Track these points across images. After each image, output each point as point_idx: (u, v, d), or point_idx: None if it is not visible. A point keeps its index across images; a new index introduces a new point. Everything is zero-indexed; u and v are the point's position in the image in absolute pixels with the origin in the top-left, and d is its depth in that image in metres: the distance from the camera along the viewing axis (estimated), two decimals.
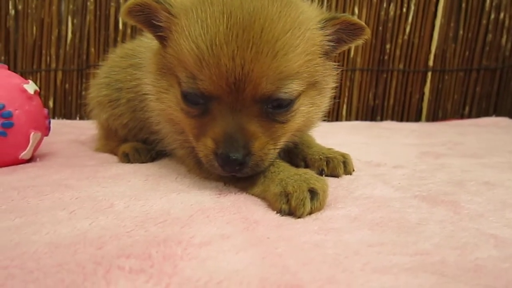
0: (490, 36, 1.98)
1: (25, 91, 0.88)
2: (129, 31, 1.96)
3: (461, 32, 1.99)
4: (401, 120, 2.05)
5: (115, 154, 1.00)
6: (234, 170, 0.62)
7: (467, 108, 2.06)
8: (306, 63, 0.64)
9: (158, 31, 0.69)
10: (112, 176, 0.77)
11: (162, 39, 0.69)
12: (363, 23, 0.70)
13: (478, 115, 2.03)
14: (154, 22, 0.69)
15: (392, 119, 2.04)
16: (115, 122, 0.98)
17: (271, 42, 0.59)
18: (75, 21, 1.98)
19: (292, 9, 0.64)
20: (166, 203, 0.61)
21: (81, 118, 2.01)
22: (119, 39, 1.96)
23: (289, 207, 0.57)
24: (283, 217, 0.56)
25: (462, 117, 2.05)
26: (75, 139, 1.29)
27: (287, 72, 0.61)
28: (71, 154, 1.04)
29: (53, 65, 1.99)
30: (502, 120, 1.81)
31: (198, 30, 0.61)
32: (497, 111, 2.02)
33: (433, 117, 2.06)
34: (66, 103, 2.03)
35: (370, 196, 0.67)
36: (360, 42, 0.73)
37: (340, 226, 0.53)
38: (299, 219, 0.55)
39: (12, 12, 1.97)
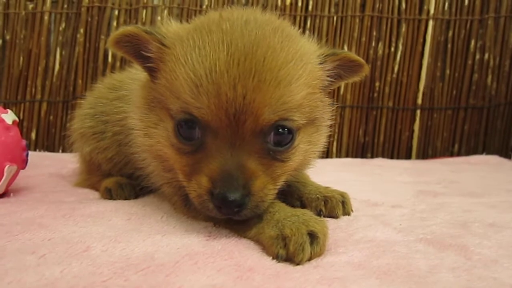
0: (476, 75, 2.02)
1: (2, 121, 0.82)
2: (118, 63, 1.94)
3: (448, 71, 2.03)
4: (391, 157, 2.04)
5: (97, 189, 0.94)
6: (231, 213, 0.56)
7: (456, 146, 2.06)
8: (308, 95, 0.61)
9: (147, 63, 0.66)
10: (91, 215, 0.71)
11: (151, 71, 0.66)
12: (362, 60, 0.69)
13: (468, 153, 2.03)
14: (143, 53, 0.65)
15: (383, 156, 2.03)
16: (99, 156, 0.92)
17: (274, 70, 0.57)
18: (63, 52, 1.96)
19: (293, 41, 0.62)
20: (149, 246, 0.55)
21: (64, 150, 1.93)
22: (107, 71, 1.94)
23: (287, 252, 0.52)
24: (280, 264, 0.50)
25: (452, 155, 2.05)
26: (56, 172, 1.22)
27: (290, 102, 0.58)
28: (49, 189, 0.97)
29: (38, 96, 1.94)
30: (493, 158, 1.80)
31: (195, 57, 0.58)
32: (486, 149, 2.02)
33: (423, 155, 2.05)
34: (50, 135, 1.96)
35: (372, 239, 0.62)
36: (357, 79, 0.71)
37: (344, 275, 0.48)
38: (298, 267, 0.50)
39: (0, 42, 1.94)
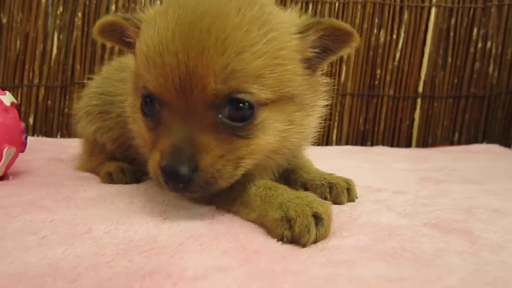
0: (477, 64, 2.01)
1: (0, 102, 0.81)
2: (117, 48, 1.91)
3: (449, 59, 2.01)
4: (392, 145, 2.03)
5: (97, 173, 0.93)
6: (178, 188, 0.54)
7: (456, 135, 2.05)
8: (271, 67, 0.56)
9: (131, 48, 0.66)
10: (92, 197, 0.70)
11: None
12: (350, 27, 0.61)
13: (468, 141, 2.02)
14: (125, 39, 0.66)
15: (383, 144, 2.02)
16: (104, 136, 0.90)
17: (221, 37, 0.53)
18: (61, 36, 1.92)
19: (256, 8, 0.57)
20: (152, 229, 0.54)
21: (62, 136, 1.92)
22: (106, 56, 1.91)
23: (292, 233, 0.51)
24: (286, 247, 0.50)
25: (452, 143, 2.04)
26: (55, 157, 1.21)
27: (241, 71, 0.53)
28: (49, 172, 0.96)
29: (36, 81, 1.92)
30: (493, 147, 1.80)
31: (150, 32, 0.58)
32: (486, 138, 2.02)
33: (423, 143, 2.04)
34: (48, 120, 1.94)
35: (376, 223, 0.61)
36: (349, 50, 0.63)
37: (351, 258, 0.47)
38: (303, 250, 0.49)
39: None
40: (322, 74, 0.69)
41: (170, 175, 0.53)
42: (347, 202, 0.74)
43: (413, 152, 1.70)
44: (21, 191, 0.74)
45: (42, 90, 1.93)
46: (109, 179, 0.86)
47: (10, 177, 0.87)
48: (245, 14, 0.56)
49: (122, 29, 0.66)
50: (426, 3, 1.98)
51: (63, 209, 0.62)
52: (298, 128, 0.62)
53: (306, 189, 0.75)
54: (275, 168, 0.73)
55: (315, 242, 0.52)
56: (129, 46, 0.67)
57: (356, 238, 0.54)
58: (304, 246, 0.50)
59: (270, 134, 0.59)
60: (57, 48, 1.92)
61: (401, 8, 1.99)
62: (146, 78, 0.57)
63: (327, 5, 1.96)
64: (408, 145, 2.04)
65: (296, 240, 0.51)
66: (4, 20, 1.90)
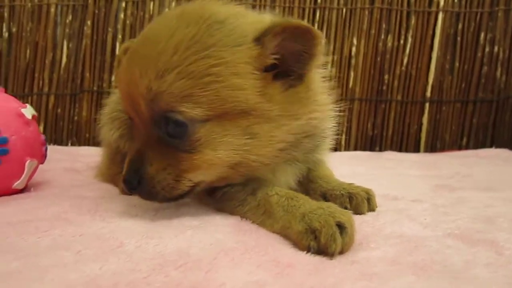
0: (485, 68, 2.01)
1: (22, 115, 0.82)
2: None
3: (457, 64, 2.02)
4: (400, 150, 2.03)
5: (115, 183, 0.93)
6: (134, 194, 0.64)
7: (464, 139, 2.06)
8: (202, 85, 0.56)
9: None
10: (116, 210, 0.70)
11: None
12: (307, 24, 0.58)
13: (476, 146, 2.02)
14: None
15: (391, 149, 2.02)
16: (128, 144, 0.88)
17: (147, 62, 0.58)
18: (70, 45, 1.94)
19: (193, 29, 0.58)
20: (182, 242, 0.55)
21: (73, 144, 1.93)
22: (115, 64, 1.92)
23: (318, 244, 0.52)
24: (316, 259, 0.50)
25: (460, 148, 2.04)
26: (70, 166, 1.22)
27: (165, 93, 0.57)
28: (67, 183, 0.97)
29: (46, 89, 1.93)
30: (503, 152, 1.80)
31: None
32: (495, 143, 2.02)
33: (432, 148, 2.05)
34: (58, 128, 1.96)
35: (401, 234, 0.62)
36: (318, 48, 0.60)
37: (381, 271, 0.48)
38: (335, 262, 0.50)
39: (6, 34, 1.92)
40: (322, 79, 0.69)
41: (125, 183, 0.63)
42: (367, 212, 0.74)
43: (423, 157, 1.70)
44: (44, 204, 0.74)
45: (52, 98, 1.94)
46: None
47: (32, 189, 0.88)
48: (177, 36, 0.58)
49: None
50: (433, 8, 1.99)
51: (90, 223, 0.63)
52: (266, 140, 0.62)
53: (325, 199, 0.76)
54: (295, 172, 0.75)
55: (341, 251, 0.52)
56: None
57: (384, 249, 0.55)
58: (332, 256, 0.51)
59: (220, 148, 0.60)
60: (67, 57, 1.94)
61: (408, 13, 2.00)
62: (122, 101, 0.68)
63: (335, 11, 1.98)
64: (416, 149, 2.05)
65: (322, 250, 0.52)
66: (14, 30, 1.92)
